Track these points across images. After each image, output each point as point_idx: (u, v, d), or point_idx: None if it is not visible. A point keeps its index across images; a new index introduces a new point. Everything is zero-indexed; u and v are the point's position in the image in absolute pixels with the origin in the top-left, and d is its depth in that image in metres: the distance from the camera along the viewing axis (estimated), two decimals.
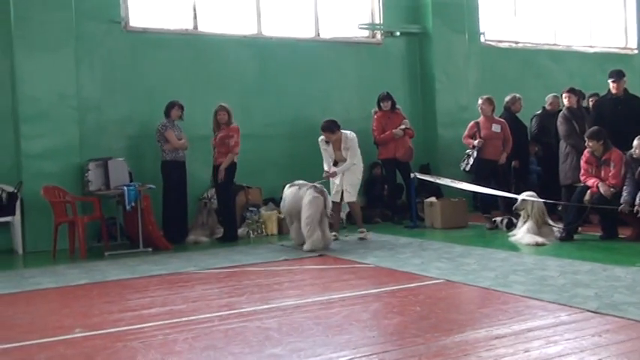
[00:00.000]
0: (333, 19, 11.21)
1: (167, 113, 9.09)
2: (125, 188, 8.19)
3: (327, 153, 8.73)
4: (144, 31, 9.88)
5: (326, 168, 8.69)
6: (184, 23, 10.21)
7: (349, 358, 3.80)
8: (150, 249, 8.29)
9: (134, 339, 4.36)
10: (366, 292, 5.56)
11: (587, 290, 5.18)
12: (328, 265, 6.89)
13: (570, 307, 4.76)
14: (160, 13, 10.10)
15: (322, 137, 8.70)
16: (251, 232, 9.35)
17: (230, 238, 8.96)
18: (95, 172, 8.73)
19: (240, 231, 9.28)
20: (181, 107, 9.12)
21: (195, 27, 10.25)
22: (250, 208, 9.53)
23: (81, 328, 4.70)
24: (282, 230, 9.47)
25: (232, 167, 8.92)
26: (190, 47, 10.11)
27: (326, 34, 11.12)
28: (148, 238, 8.36)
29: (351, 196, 8.69)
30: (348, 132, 8.71)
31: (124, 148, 9.53)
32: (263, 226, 9.45)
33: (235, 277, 6.47)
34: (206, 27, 10.32)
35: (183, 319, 4.84)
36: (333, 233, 8.41)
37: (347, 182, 8.62)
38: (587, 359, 3.70)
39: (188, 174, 9.18)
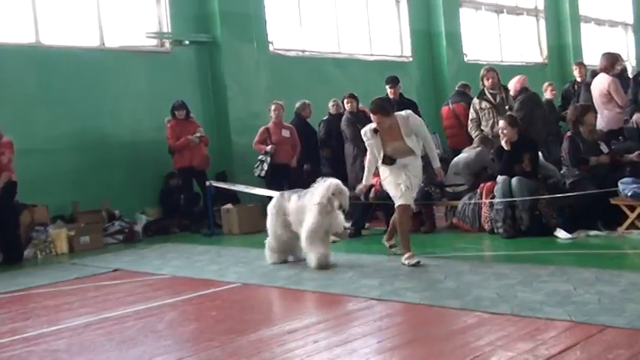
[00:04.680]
0: (118, 28, 10.87)
1: None
2: None
3: (374, 149, 6.35)
4: None
5: (365, 179, 6.61)
6: None
7: None
8: None
9: None
10: (162, 302, 5.48)
11: (372, 280, 5.55)
12: (123, 280, 6.67)
13: (356, 297, 5.08)
14: None
15: (368, 128, 6.43)
16: (39, 252, 8.78)
17: (14, 260, 8.34)
18: None
19: (27, 252, 8.66)
20: None
21: None
22: (37, 228, 8.93)
23: None
24: (73, 248, 9.00)
25: (12, 185, 8.31)
26: None
27: (112, 43, 10.76)
28: None
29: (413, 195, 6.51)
30: (402, 112, 6.46)
31: None
32: (52, 245, 8.91)
33: (19, 302, 6.04)
34: None
35: None
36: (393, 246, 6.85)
37: (415, 177, 6.33)
38: (370, 342, 4.00)
39: None
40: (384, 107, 6.23)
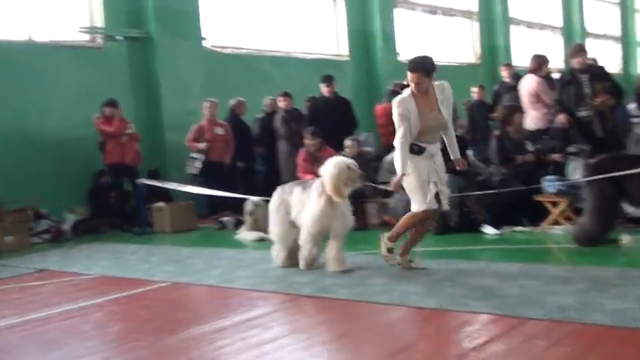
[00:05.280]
0: (48, 21, 10.55)
1: None
2: None
3: (408, 123, 5.17)
4: None
5: (402, 168, 5.20)
6: None
7: None
8: None
9: None
10: (88, 303, 5.35)
11: (303, 277, 5.56)
12: (49, 281, 6.47)
13: (287, 294, 5.09)
14: None
15: (403, 95, 5.30)
16: None
17: None
18: None
19: None
20: None
21: None
22: None
23: None
24: None
25: None
26: None
27: (41, 37, 10.43)
28: None
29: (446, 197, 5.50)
30: (436, 82, 5.41)
31: None
32: None
33: None
34: None
35: None
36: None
37: (442, 171, 5.44)
38: (299, 338, 4.01)
39: None
40: (425, 65, 5.25)
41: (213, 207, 9.84)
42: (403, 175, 5.21)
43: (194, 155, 9.57)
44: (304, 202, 5.75)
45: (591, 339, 3.57)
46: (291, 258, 5.98)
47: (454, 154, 5.55)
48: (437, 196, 5.34)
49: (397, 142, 5.22)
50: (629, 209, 6.54)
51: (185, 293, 5.63)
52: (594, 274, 4.92)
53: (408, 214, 5.50)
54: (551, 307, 4.10)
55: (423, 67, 5.24)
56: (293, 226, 5.89)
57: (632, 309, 3.93)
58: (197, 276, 6.06)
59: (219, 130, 9.69)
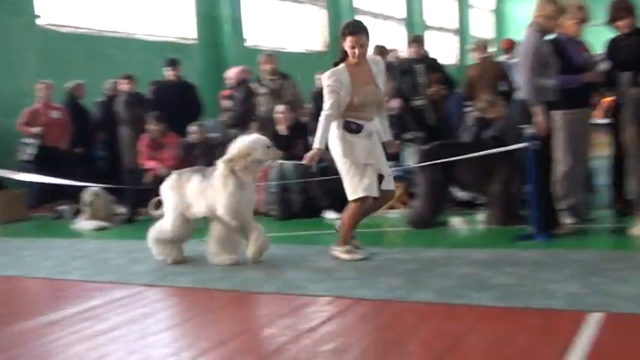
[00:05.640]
0: None
1: None
2: None
3: (337, 96, 4.85)
4: None
5: (319, 142, 4.89)
6: None
7: None
8: None
9: None
10: None
11: (142, 267, 5.44)
12: None
13: (125, 284, 4.96)
14: None
15: (336, 68, 4.95)
16: None
17: None
18: None
19: None
20: None
21: None
22: None
23: None
24: None
25: None
26: None
27: None
28: None
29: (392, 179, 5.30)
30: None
31: None
32: None
33: None
34: None
35: None
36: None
37: (383, 154, 5.15)
38: (134, 328, 3.93)
39: None
40: (366, 27, 4.93)
41: (47, 195, 9.28)
42: (319, 149, 4.86)
43: (27, 140, 9.00)
44: (205, 192, 5.19)
45: (417, 316, 3.80)
46: (181, 250, 5.56)
47: (386, 135, 5.22)
48: (379, 179, 5.03)
49: (322, 114, 4.89)
50: (458, 193, 7.03)
51: (14, 287, 5.33)
52: (424, 255, 5.24)
53: (346, 211, 5.14)
54: (382, 287, 4.31)
55: (365, 28, 4.92)
56: (183, 217, 5.39)
57: (456, 286, 4.22)
58: (28, 268, 5.75)
59: (55, 114, 9.17)
